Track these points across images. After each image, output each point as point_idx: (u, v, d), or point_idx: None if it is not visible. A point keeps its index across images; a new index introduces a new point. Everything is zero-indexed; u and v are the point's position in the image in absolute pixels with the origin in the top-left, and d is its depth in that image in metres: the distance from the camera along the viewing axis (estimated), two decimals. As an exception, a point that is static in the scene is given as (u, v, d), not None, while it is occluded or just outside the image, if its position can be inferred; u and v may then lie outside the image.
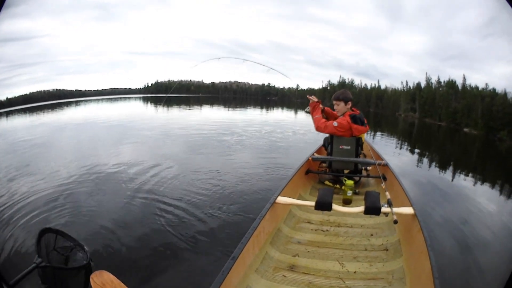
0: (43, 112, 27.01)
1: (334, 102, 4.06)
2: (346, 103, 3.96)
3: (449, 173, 8.16)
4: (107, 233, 3.67)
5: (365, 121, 3.98)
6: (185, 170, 6.34)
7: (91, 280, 2.13)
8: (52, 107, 34.06)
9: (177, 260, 3.20)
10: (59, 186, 5.25)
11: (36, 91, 46.67)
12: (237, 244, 2.23)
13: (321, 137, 4.83)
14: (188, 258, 3.25)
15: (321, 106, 4.26)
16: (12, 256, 3.25)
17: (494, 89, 24.96)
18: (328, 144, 4.27)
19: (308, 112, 4.29)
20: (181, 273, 3.01)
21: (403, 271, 2.32)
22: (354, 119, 3.84)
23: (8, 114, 26.15)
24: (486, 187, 6.79)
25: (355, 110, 4.05)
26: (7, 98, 38.10)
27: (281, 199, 3.01)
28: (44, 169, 6.33)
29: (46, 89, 48.58)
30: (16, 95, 40.68)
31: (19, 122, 20.07)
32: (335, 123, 3.85)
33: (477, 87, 27.19)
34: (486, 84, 25.92)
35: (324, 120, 4.02)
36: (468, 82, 28.58)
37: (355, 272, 2.39)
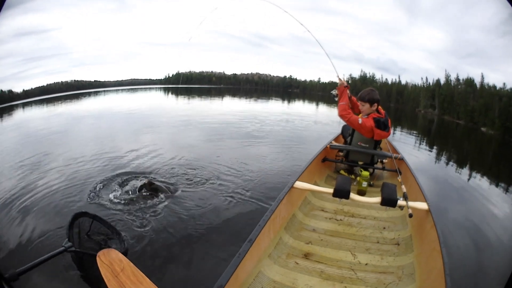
0: (61, 103, 25.96)
1: (360, 102, 3.90)
2: (371, 104, 3.79)
3: (464, 172, 8.13)
4: (125, 220, 3.68)
5: (389, 124, 3.86)
6: (205, 157, 6.45)
7: (97, 258, 2.17)
8: (70, 97, 32.77)
9: (195, 246, 3.24)
10: (77, 173, 5.28)
11: (53, 82, 45.13)
12: (254, 226, 2.26)
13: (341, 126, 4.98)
14: (205, 243, 3.30)
15: (348, 92, 4.06)
16: (41, 238, 3.29)
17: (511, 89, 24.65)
18: (348, 135, 4.27)
19: (334, 96, 4.09)
20: (199, 259, 3.05)
21: (413, 267, 2.32)
22: (378, 123, 3.73)
23: (24, 105, 25.02)
24: (500, 189, 6.70)
25: (381, 110, 3.90)
26: (23, 90, 36.84)
27: (299, 184, 3.02)
28: (62, 158, 6.31)
29: (63, 80, 46.99)
30: (33, 87, 39.20)
31: (37, 113, 19.51)
32: (360, 120, 3.72)
33: (494, 86, 26.89)
34: (504, 84, 25.69)
35: (350, 111, 3.85)
36: (486, 80, 28.20)
37: (366, 264, 2.41)
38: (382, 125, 3.74)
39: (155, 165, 5.81)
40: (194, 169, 5.68)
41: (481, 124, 24.95)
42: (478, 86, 28.87)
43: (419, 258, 2.38)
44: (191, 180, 5.08)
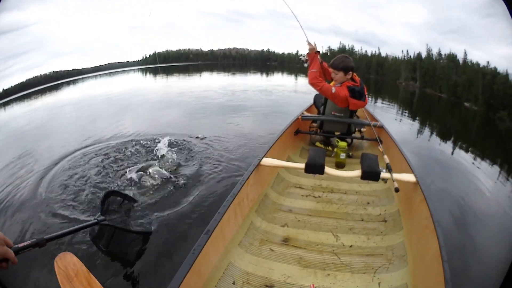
0: (41, 96, 26.40)
1: (332, 70, 3.63)
2: (346, 73, 3.55)
3: (448, 146, 7.97)
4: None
5: (365, 92, 3.66)
6: (183, 134, 6.30)
7: (55, 263, 2.06)
8: (49, 89, 33.00)
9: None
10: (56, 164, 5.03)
11: (32, 77, 42.96)
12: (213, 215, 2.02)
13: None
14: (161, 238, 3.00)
15: (319, 58, 3.84)
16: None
17: (495, 68, 24.37)
18: (321, 104, 4.06)
19: (304, 61, 3.94)
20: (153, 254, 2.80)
21: (404, 248, 2.16)
22: (353, 92, 3.51)
23: (5, 104, 24.53)
24: (485, 165, 6.58)
25: (356, 77, 3.66)
26: (3, 89, 37.02)
27: (266, 161, 2.79)
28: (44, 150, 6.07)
29: (42, 73, 45.89)
30: (12, 85, 39.82)
31: (17, 111, 19.53)
32: (333, 89, 3.52)
33: (478, 64, 26.63)
34: (488, 62, 25.19)
35: (322, 79, 3.66)
36: (469, 57, 28.02)
37: (351, 246, 2.23)
38: (357, 94, 3.54)
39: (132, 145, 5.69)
40: (176, 146, 5.61)
41: (464, 99, 24.97)
42: (460, 62, 28.77)
43: (410, 237, 2.23)
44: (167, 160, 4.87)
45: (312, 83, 3.62)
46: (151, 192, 3.84)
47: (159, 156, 4.98)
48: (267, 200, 2.76)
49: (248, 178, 2.51)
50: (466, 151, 7.71)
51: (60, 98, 21.76)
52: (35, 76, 44.33)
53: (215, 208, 2.42)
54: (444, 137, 9.04)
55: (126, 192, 3.67)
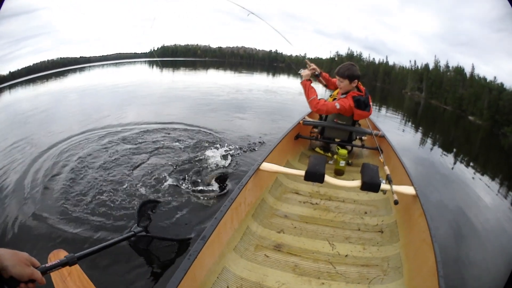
0: (47, 81, 26.25)
1: (338, 77, 3.55)
2: (351, 81, 3.46)
3: (450, 158, 7.92)
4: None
5: (370, 103, 3.59)
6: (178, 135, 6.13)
7: (48, 260, 2.03)
8: (56, 75, 32.99)
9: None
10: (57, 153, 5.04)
11: (39, 61, 43.69)
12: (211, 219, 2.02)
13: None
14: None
15: (317, 70, 3.88)
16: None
17: (502, 84, 24.46)
18: None
19: (300, 75, 3.77)
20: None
21: (399, 259, 2.15)
22: (358, 103, 3.45)
23: (11, 87, 24.65)
24: (486, 180, 6.52)
25: (361, 87, 3.61)
26: (10, 72, 35.46)
27: (266, 166, 2.77)
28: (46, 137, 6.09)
29: (49, 58, 45.90)
30: (19, 68, 37.82)
31: (23, 94, 19.42)
32: (337, 105, 3.45)
33: (485, 78, 26.67)
34: (495, 77, 25.34)
35: (322, 100, 3.57)
36: (476, 71, 28.02)
37: (346, 255, 2.21)
38: (362, 104, 3.47)
39: (128, 141, 5.64)
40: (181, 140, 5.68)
41: (469, 112, 24.95)
42: (468, 75, 28.74)
43: (406, 249, 2.21)
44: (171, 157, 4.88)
45: (316, 110, 3.58)
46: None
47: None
48: (264, 205, 2.74)
49: (247, 183, 2.48)
50: (468, 164, 7.66)
51: (68, 86, 21.35)
52: (42, 61, 44.49)
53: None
54: (446, 149, 8.98)
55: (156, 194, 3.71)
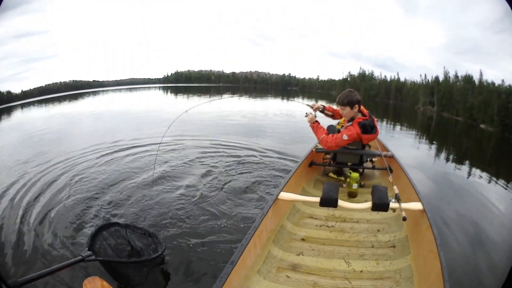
0: (60, 103, 27.07)
1: (339, 106, 3.71)
2: (352, 107, 3.59)
3: (463, 169, 8.07)
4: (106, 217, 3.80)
5: (375, 124, 3.69)
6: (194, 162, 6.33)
7: (83, 286, 2.19)
8: (70, 98, 33.67)
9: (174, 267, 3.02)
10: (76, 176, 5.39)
11: (52, 82, 45.62)
12: (237, 245, 2.20)
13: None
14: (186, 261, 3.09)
15: (321, 106, 4.15)
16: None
17: (510, 86, 24.35)
18: None
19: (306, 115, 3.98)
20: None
21: (410, 270, 2.27)
22: (364, 128, 3.55)
23: (23, 106, 25.71)
24: (499, 187, 6.60)
25: (364, 110, 3.71)
26: (22, 91, 37.32)
27: (284, 195, 2.91)
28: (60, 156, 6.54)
29: (62, 80, 47.54)
30: (31, 88, 39.73)
31: (36, 114, 20.17)
32: (345, 137, 3.54)
33: (493, 83, 26.51)
34: (503, 81, 25.18)
35: (331, 136, 3.64)
36: (484, 77, 27.89)
37: (361, 271, 2.34)
38: (368, 128, 3.59)
39: (139, 167, 5.93)
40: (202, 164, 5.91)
41: (480, 121, 24.77)
42: (476, 82, 28.56)
43: (416, 260, 2.34)
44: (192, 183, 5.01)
45: (327, 148, 3.68)
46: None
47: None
48: (284, 231, 2.86)
49: (267, 212, 2.64)
50: (481, 173, 7.65)
51: (80, 108, 21.88)
52: (55, 83, 45.91)
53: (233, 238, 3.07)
54: (459, 161, 9.15)
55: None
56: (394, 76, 40.37)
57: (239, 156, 6.65)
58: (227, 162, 6.25)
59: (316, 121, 3.84)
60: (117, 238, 2.88)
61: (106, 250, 2.70)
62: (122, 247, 2.85)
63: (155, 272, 2.82)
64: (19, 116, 19.30)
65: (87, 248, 2.51)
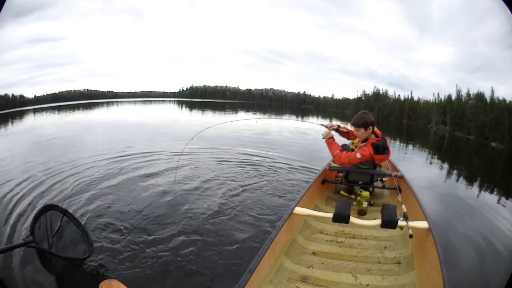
0: (73, 111, 26.94)
1: (354, 128, 3.81)
2: (366, 128, 3.68)
3: (473, 188, 8.09)
4: (121, 232, 3.80)
5: (388, 145, 3.79)
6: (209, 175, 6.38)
7: None
8: (83, 106, 33.67)
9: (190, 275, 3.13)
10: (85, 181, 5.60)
11: (65, 90, 46.39)
12: (253, 256, 2.28)
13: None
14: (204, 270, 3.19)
15: (335, 125, 4.22)
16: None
17: None
18: None
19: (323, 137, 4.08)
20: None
21: (414, 285, 2.33)
22: (377, 149, 3.66)
23: (35, 111, 26.05)
24: (509, 205, 6.55)
25: (377, 131, 3.81)
26: (35, 95, 38.11)
27: (298, 210, 3.00)
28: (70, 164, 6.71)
29: (76, 88, 48.36)
30: (44, 93, 40.44)
31: (49, 120, 20.51)
32: (358, 155, 3.67)
33: (504, 100, 27.02)
34: None
35: (345, 153, 3.78)
36: (495, 94, 28.30)
37: (367, 285, 2.41)
38: (381, 148, 3.70)
39: (154, 180, 5.98)
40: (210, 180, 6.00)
41: (491, 139, 24.96)
42: (488, 100, 28.90)
43: (419, 276, 2.40)
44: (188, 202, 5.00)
45: (340, 163, 3.81)
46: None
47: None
48: (295, 244, 2.93)
49: (283, 226, 2.72)
50: (490, 192, 7.78)
51: (94, 117, 21.87)
52: (68, 90, 46.85)
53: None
54: (469, 179, 9.15)
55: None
56: (408, 95, 40.91)
57: (258, 170, 6.92)
58: (246, 175, 6.47)
59: (332, 137, 3.99)
60: (55, 224, 2.80)
61: (43, 235, 2.62)
62: (58, 235, 2.79)
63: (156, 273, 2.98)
64: (31, 121, 19.95)
65: (29, 233, 2.41)
